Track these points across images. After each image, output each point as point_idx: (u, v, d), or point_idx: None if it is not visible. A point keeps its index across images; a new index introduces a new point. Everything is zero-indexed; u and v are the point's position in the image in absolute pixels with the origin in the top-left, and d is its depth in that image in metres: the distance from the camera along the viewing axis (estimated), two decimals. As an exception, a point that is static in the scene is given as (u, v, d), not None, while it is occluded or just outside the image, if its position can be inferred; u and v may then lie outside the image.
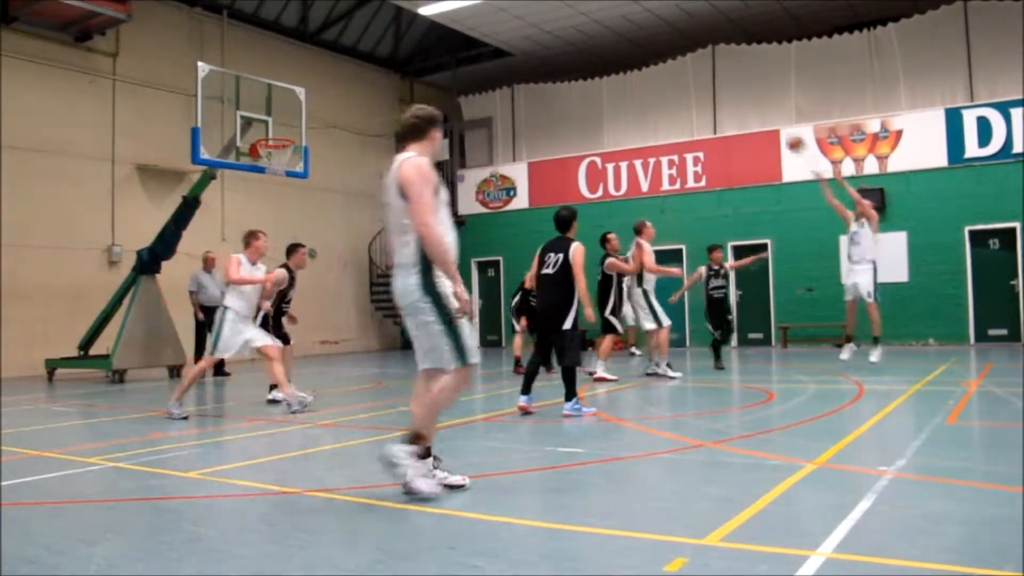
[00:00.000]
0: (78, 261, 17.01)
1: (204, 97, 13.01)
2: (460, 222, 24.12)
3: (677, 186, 21.11)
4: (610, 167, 22.02)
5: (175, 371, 15.01)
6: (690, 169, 20.97)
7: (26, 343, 15.70)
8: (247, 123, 13.62)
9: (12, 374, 15.39)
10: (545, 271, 8.67)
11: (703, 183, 20.77)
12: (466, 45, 23.15)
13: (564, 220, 8.99)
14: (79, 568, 3.74)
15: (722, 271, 13.64)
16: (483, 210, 23.94)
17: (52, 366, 15.07)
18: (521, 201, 23.37)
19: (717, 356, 13.69)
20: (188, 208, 14.51)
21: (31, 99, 16.67)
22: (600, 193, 22.10)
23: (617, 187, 21.89)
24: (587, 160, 22.39)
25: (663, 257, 20.82)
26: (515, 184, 23.55)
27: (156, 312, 14.80)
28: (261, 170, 13.85)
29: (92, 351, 15.08)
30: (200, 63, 13.35)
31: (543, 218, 22.44)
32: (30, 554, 4.01)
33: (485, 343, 23.82)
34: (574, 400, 8.33)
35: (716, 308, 13.70)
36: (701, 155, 20.83)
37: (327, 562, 3.79)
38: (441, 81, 25.76)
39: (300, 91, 14.22)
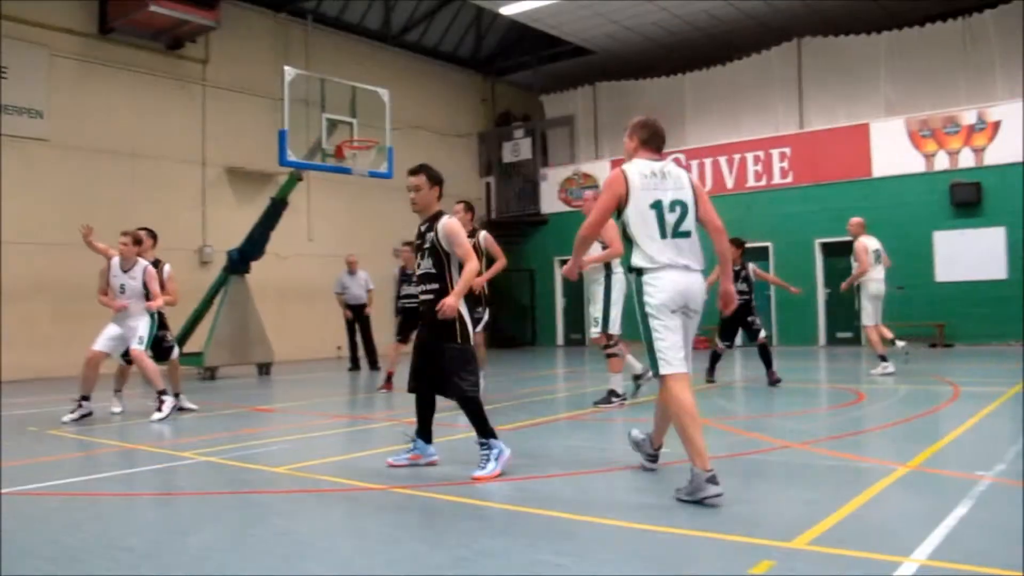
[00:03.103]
0: (171, 261, 17.43)
1: (290, 100, 13.25)
2: (543, 221, 24.16)
3: (763, 183, 20.76)
4: (694, 164, 21.76)
5: (264, 368, 15.35)
6: (776, 165, 20.59)
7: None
8: (332, 125, 13.83)
9: (110, 370, 15.91)
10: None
11: (789, 179, 20.38)
12: (547, 43, 23.12)
13: None
14: (173, 557, 3.85)
15: (743, 272, 11.26)
16: (566, 208, 23.88)
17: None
18: (604, 199, 23.22)
19: (767, 370, 11.11)
20: (276, 209, 14.82)
21: (127, 106, 17.28)
22: (683, 191, 21.84)
23: (702, 184, 21.58)
24: (670, 157, 22.05)
25: (751, 255, 20.54)
26: (597, 182, 23.40)
27: (245, 311, 15.14)
28: (346, 171, 14.04)
29: (185, 349, 15.51)
30: (286, 67, 13.61)
31: (625, 216, 22.33)
32: (128, 543, 4.15)
33: (569, 342, 23.80)
34: None
35: (732, 316, 10.66)
36: (787, 150, 20.43)
37: (411, 558, 3.82)
38: (522, 80, 25.81)
39: (384, 93, 14.37)
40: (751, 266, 11.48)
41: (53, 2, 16.44)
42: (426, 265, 5.78)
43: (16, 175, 15.77)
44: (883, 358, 11.82)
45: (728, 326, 11.26)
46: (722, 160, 21.35)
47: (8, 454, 7.00)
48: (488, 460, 5.50)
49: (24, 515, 4.84)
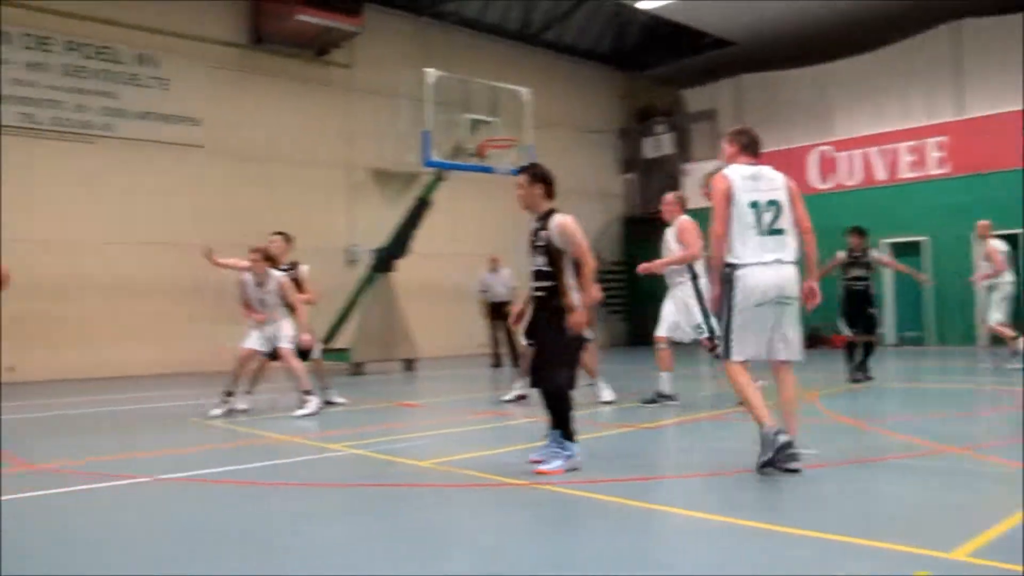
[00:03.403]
0: (318, 261, 18.09)
1: (433, 102, 13.48)
2: (684, 217, 23.76)
3: (918, 173, 19.79)
4: (843, 156, 20.97)
5: (408, 364, 15.71)
6: (932, 155, 19.60)
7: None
8: (474, 125, 14.01)
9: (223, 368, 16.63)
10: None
11: (947, 169, 19.35)
12: (688, 36, 22.69)
13: None
14: (317, 545, 3.97)
15: (863, 259, 11.36)
16: (708, 204, 23.38)
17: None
18: (747, 194, 22.66)
19: (858, 363, 11.17)
20: (420, 209, 15.13)
21: (276, 112, 18.03)
22: (832, 184, 21.11)
23: (851, 177, 20.83)
24: (818, 149, 21.44)
25: (903, 249, 19.67)
26: (741, 176, 22.89)
27: (391, 308, 15.52)
28: (488, 170, 14.19)
29: (333, 345, 16.00)
30: (428, 69, 13.86)
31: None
32: (277, 529, 4.30)
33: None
34: None
35: (853, 302, 11.32)
36: (945, 139, 19.39)
37: (552, 555, 3.81)
38: (663, 74, 25.45)
39: (524, 91, 14.46)
40: (873, 252, 11.60)
41: (209, 16, 17.31)
42: (539, 262, 5.85)
43: (175, 181, 16.67)
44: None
45: (853, 314, 11.32)
46: (873, 151, 20.47)
47: (162, 443, 7.39)
48: (557, 457, 5.57)
49: (185, 500, 5.09)
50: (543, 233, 5.85)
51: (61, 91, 15.48)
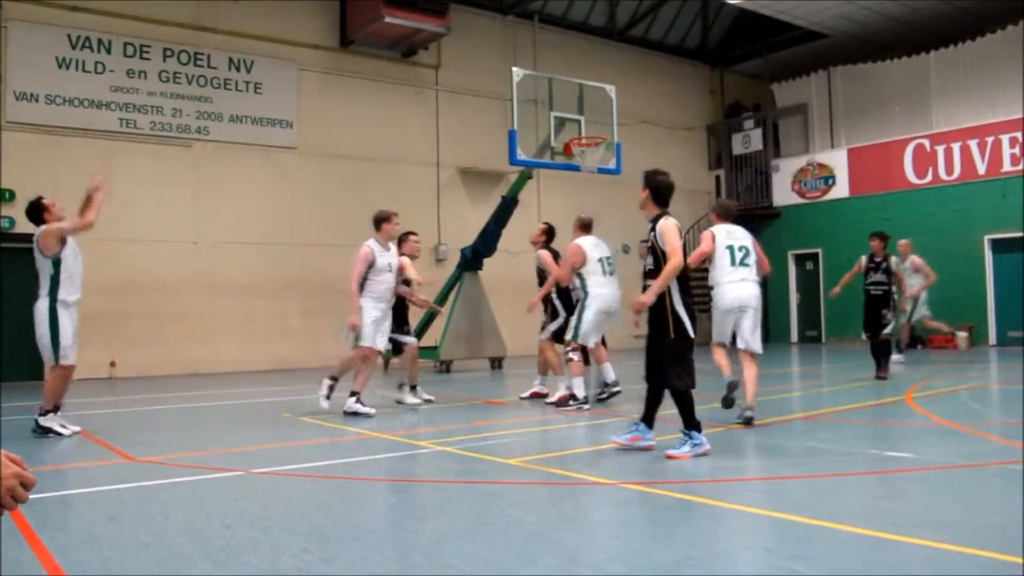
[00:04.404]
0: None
1: (519, 101, 13.50)
2: (775, 214, 23.38)
3: (1021, 167, 18.99)
4: (940, 149, 20.29)
5: (496, 363, 15.78)
6: (1036, 147, 18.78)
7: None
8: (560, 123, 13.97)
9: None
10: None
11: (1053, 161, 18.53)
12: (777, 29, 22.23)
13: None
14: (412, 540, 4.01)
15: (884, 264, 11.52)
16: (800, 200, 22.97)
17: (386, 356, 16.32)
18: (841, 190, 22.16)
19: (879, 363, 11.56)
20: (507, 207, 15.16)
21: (365, 113, 18.33)
22: (929, 178, 20.45)
23: (949, 171, 20.13)
24: (914, 143, 20.78)
25: (1006, 245, 18.94)
26: (834, 172, 22.39)
27: (479, 307, 15.60)
28: (575, 168, 14.14)
29: (422, 343, 16.17)
30: (514, 68, 13.88)
31: (865, 207, 21.17)
32: (371, 525, 4.37)
33: (804, 339, 22.92)
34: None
35: (872, 307, 11.54)
36: (1049, 130, 18.58)
37: (639, 555, 3.78)
38: (752, 69, 25.04)
39: (611, 89, 14.37)
40: (893, 259, 11.84)
41: (299, 20, 17.69)
42: (649, 262, 6.24)
43: (268, 182, 17.09)
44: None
45: (868, 318, 11.61)
46: (972, 144, 19.73)
47: (264, 438, 7.57)
48: (684, 443, 5.97)
49: (280, 494, 5.21)
50: (652, 235, 6.22)
51: (158, 96, 16.01)
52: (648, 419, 6.23)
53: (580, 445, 7.21)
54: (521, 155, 13.55)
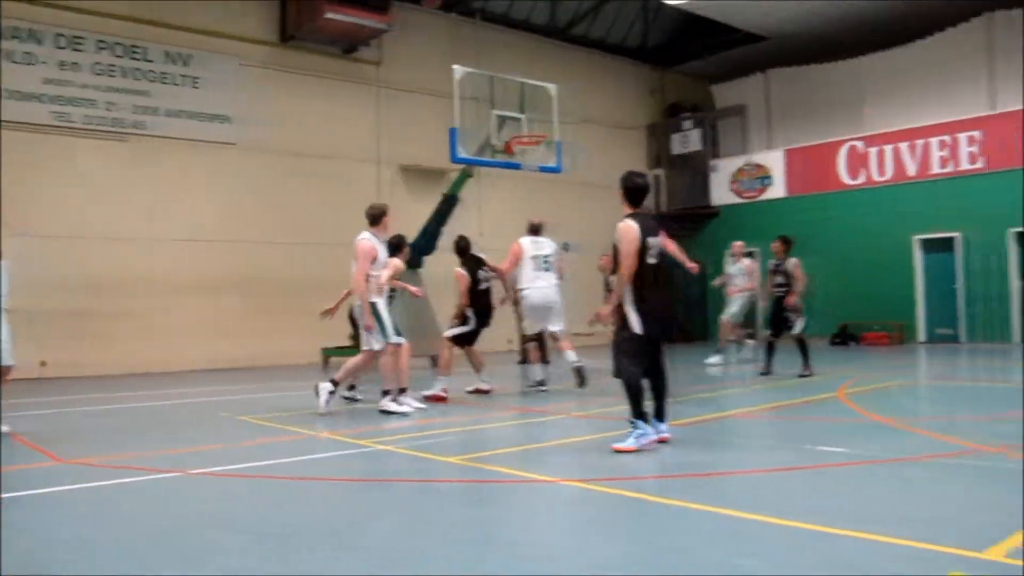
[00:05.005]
0: (348, 257, 18.20)
1: (461, 98, 13.47)
2: (714, 213, 23.68)
3: (949, 169, 19.51)
4: (873, 151, 20.75)
5: (437, 361, 15.70)
6: (964, 150, 19.30)
7: (304, 333, 17.03)
8: (502, 121, 13.98)
9: (295, 361, 16.80)
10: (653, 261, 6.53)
11: (980, 164, 19.07)
12: (717, 31, 22.53)
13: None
14: (355, 540, 3.99)
15: (783, 267, 12.06)
16: (737, 200, 23.29)
17: (328, 354, 16.20)
18: (778, 190, 22.53)
19: (768, 359, 12.28)
20: (448, 205, 15.12)
21: (306, 109, 18.13)
22: (862, 179, 20.90)
23: (881, 172, 20.59)
24: (848, 145, 21.22)
25: (935, 245, 19.46)
26: (771, 172, 22.74)
27: (419, 305, 15.51)
28: (516, 167, 14.16)
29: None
30: (456, 66, 13.84)
31: (801, 207, 21.57)
32: (313, 524, 4.33)
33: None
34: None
35: (776, 308, 12.11)
36: (977, 134, 19.12)
37: (587, 551, 3.82)
38: (692, 70, 25.34)
39: (552, 87, 14.41)
40: (792, 261, 12.10)
41: (239, 14, 17.43)
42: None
43: (207, 178, 16.82)
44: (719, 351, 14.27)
45: (771, 318, 12.33)
46: (903, 146, 20.21)
47: (203, 438, 7.46)
48: (629, 436, 6.11)
49: (229, 494, 5.14)
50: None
51: (92, 89, 15.64)
52: (639, 415, 6.20)
53: (524, 443, 7.24)
54: (463, 153, 13.53)
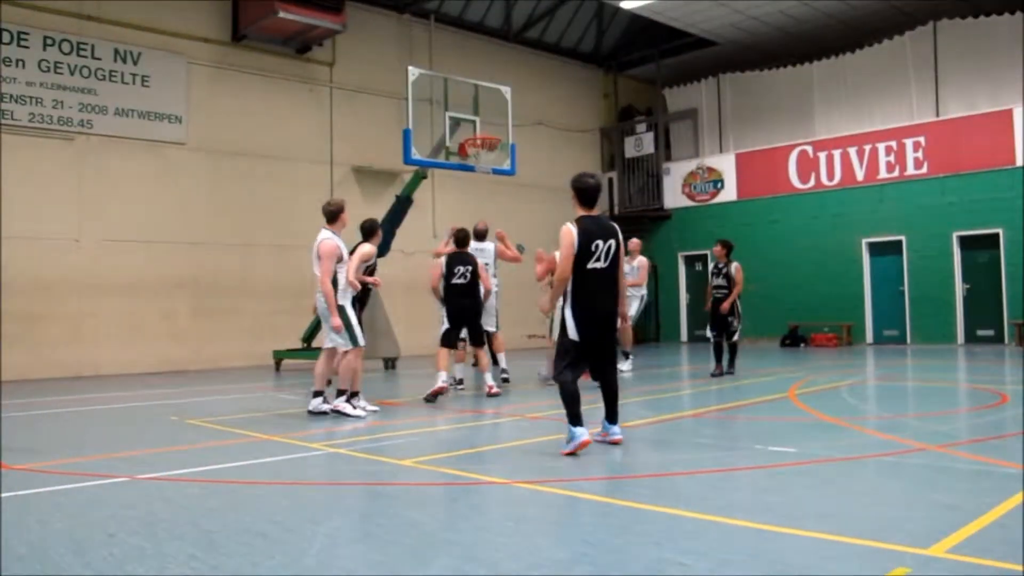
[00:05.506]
0: (301, 258, 18.05)
1: (414, 100, 13.45)
2: (666, 216, 23.89)
3: (896, 173, 19.91)
4: (822, 156, 21.09)
5: (390, 363, 15.68)
6: (910, 155, 19.70)
7: (256, 335, 16.89)
8: (456, 123, 13.98)
9: (243, 363, 16.64)
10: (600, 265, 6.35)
11: (924, 169, 19.47)
12: (670, 36, 22.74)
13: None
14: (304, 544, 3.97)
15: (724, 270, 12.25)
16: (689, 203, 23.52)
17: (279, 357, 16.08)
18: (729, 193, 22.79)
19: (717, 360, 12.41)
20: (401, 207, 15.08)
21: (258, 109, 17.95)
22: (812, 183, 21.24)
23: (830, 176, 20.94)
24: (798, 149, 21.55)
25: (883, 248, 19.83)
26: (722, 176, 23.00)
27: (372, 306, 15.42)
28: (470, 168, 14.17)
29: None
30: (410, 67, 13.82)
31: (752, 210, 21.88)
32: (262, 529, 4.29)
33: (693, 338, 23.46)
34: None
35: (716, 310, 12.26)
36: (922, 140, 19.52)
37: (533, 552, 3.83)
38: (645, 74, 25.53)
39: (506, 90, 14.45)
40: (734, 265, 12.27)
41: (189, 12, 17.19)
42: None
43: (156, 178, 16.56)
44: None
45: (712, 319, 12.44)
46: (852, 151, 20.58)
47: (151, 442, 7.36)
48: (566, 441, 6.14)
49: (168, 499, 5.08)
50: None
51: (38, 87, 15.33)
52: (573, 419, 6.11)
53: (474, 445, 7.24)
54: (416, 155, 13.51)
